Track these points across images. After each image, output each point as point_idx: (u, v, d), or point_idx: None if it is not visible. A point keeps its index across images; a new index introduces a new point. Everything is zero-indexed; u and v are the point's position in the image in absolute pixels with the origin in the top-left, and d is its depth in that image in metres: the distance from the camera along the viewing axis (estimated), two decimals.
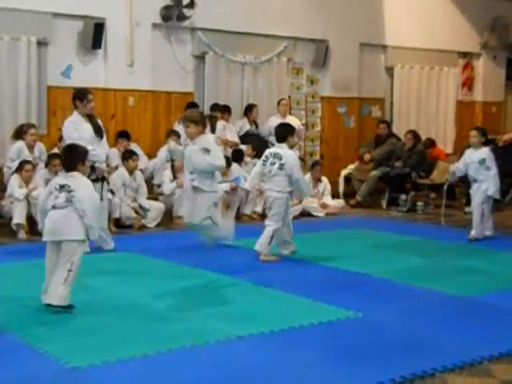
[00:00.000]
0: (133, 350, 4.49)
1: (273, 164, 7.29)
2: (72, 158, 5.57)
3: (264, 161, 7.41)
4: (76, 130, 7.35)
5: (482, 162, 8.49)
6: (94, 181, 7.47)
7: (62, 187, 5.36)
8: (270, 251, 7.28)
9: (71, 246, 5.29)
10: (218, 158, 6.48)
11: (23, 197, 8.47)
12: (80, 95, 7.54)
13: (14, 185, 8.64)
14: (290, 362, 4.37)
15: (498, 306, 5.73)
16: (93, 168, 7.44)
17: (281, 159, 7.25)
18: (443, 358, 4.42)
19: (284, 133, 7.44)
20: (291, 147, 7.51)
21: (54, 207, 5.35)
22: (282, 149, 7.37)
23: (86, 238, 5.45)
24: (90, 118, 7.56)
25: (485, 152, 8.55)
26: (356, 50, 12.77)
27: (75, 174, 5.46)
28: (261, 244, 7.24)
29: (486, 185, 8.49)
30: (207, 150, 6.37)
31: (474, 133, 8.70)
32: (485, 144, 8.65)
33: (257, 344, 4.69)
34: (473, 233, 8.54)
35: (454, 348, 4.66)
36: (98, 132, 7.56)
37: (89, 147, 7.19)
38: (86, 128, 7.42)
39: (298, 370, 4.25)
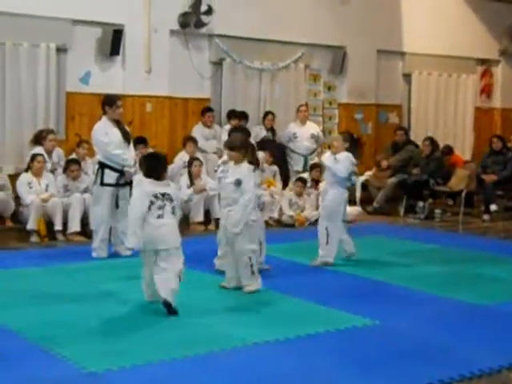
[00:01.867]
0: (149, 355, 4.49)
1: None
2: (163, 166, 5.69)
3: (215, 170, 7.01)
4: (106, 134, 7.48)
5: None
6: (123, 185, 7.58)
7: (162, 195, 5.47)
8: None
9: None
10: (247, 191, 6.05)
11: (31, 202, 8.50)
12: (109, 101, 7.66)
13: (22, 183, 8.70)
14: (305, 369, 4.35)
15: None
16: (122, 172, 7.54)
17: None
18: (461, 367, 4.38)
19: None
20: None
21: (160, 217, 5.44)
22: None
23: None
24: (118, 123, 7.65)
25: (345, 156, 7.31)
26: (373, 57, 12.74)
27: (170, 182, 5.75)
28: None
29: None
30: (239, 183, 6.05)
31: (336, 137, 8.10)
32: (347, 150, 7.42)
33: (273, 351, 4.68)
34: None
35: (472, 356, 4.62)
36: (126, 137, 7.66)
37: (118, 151, 7.42)
38: (115, 133, 7.53)
39: (314, 378, 4.24)
